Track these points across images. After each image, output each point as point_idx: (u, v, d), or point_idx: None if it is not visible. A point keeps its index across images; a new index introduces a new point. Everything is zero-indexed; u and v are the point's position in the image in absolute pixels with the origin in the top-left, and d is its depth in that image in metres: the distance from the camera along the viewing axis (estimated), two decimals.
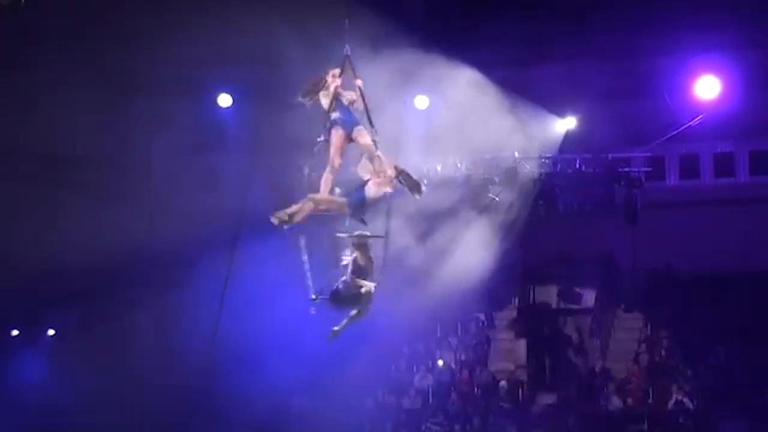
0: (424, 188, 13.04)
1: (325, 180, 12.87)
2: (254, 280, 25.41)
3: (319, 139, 13.06)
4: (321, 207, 12.91)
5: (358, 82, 13.20)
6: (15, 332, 29.06)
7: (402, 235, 23.13)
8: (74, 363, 26.85)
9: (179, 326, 27.03)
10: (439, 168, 26.34)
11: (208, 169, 28.15)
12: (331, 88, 13.01)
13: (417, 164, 23.74)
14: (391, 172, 12.74)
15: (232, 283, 27.20)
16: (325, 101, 13.08)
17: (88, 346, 26.88)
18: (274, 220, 12.69)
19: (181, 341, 27.03)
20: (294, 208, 12.79)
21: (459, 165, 26.62)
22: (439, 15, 25.23)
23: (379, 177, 12.79)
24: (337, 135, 12.87)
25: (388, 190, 12.81)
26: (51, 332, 28.66)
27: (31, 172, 26.34)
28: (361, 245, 13.19)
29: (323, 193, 12.88)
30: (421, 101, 25.70)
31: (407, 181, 12.88)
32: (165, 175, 27.63)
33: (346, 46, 13.29)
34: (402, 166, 12.98)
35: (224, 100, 26.97)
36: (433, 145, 25.19)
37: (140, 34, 23.47)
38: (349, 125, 12.90)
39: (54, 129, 24.75)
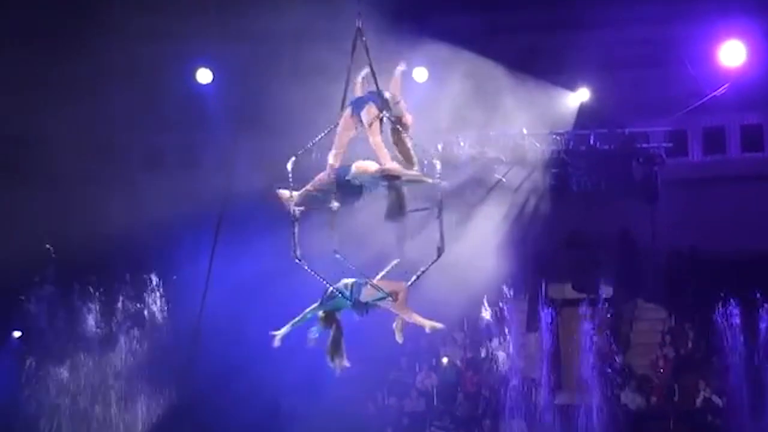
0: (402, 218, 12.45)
1: (329, 166, 12.53)
2: (240, 267, 25.47)
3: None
4: (312, 188, 12.55)
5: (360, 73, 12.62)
6: None
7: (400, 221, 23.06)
8: (43, 366, 26.96)
9: (159, 319, 27.21)
10: (440, 147, 26.40)
11: (189, 148, 28.64)
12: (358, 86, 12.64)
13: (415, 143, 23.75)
14: (386, 166, 12.25)
15: (216, 272, 27.33)
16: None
17: (58, 348, 27.01)
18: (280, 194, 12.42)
19: (161, 336, 27.23)
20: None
21: (462, 144, 26.93)
22: None
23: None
24: (345, 118, 12.51)
25: (370, 169, 12.31)
26: (17, 334, 28.33)
27: None
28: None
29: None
30: (420, 74, 25.91)
31: (391, 197, 12.34)
32: (143, 155, 28.24)
33: (358, 18, 12.68)
34: (411, 171, 12.36)
35: (204, 75, 27.46)
36: (434, 123, 24.84)
37: (109, 7, 24.53)
38: (358, 107, 12.51)
39: (20, 112, 25.09)
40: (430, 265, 12.16)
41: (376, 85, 12.42)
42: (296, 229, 12.12)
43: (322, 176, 12.47)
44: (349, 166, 12.39)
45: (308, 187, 12.42)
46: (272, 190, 12.38)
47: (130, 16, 24.20)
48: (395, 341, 12.95)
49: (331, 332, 12.61)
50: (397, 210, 12.37)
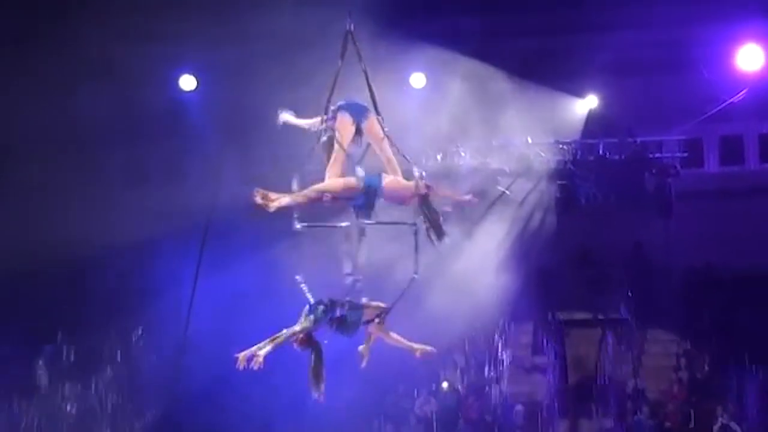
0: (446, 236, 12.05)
1: (331, 174, 12.06)
2: (226, 287, 25.43)
3: (323, 139, 12.16)
4: (327, 195, 12.04)
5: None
6: None
7: (398, 237, 22.81)
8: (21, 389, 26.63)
9: (140, 343, 27.17)
10: (439, 158, 26.56)
11: (172, 159, 28.37)
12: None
13: (413, 153, 23.60)
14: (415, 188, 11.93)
15: (200, 292, 27.14)
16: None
17: (32, 373, 26.83)
18: (256, 196, 11.74)
19: (143, 360, 27.12)
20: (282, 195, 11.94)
21: (463, 154, 27.01)
22: None
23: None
24: (343, 122, 12.03)
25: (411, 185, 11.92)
26: None
27: None
28: None
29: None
30: (418, 79, 26.02)
31: (428, 215, 11.92)
32: (122, 166, 28.04)
33: (348, 21, 12.27)
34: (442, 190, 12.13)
35: (187, 82, 27.30)
36: (432, 131, 25.06)
37: (88, 7, 23.67)
38: (357, 114, 12.09)
39: None
40: (403, 293, 12.01)
41: (371, 92, 12.04)
42: (349, 245, 12.08)
43: (347, 183, 11.83)
44: (377, 175, 11.95)
45: (318, 189, 11.79)
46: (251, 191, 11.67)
47: (110, 16, 23.81)
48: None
49: (313, 356, 12.04)
50: (440, 228, 11.92)
